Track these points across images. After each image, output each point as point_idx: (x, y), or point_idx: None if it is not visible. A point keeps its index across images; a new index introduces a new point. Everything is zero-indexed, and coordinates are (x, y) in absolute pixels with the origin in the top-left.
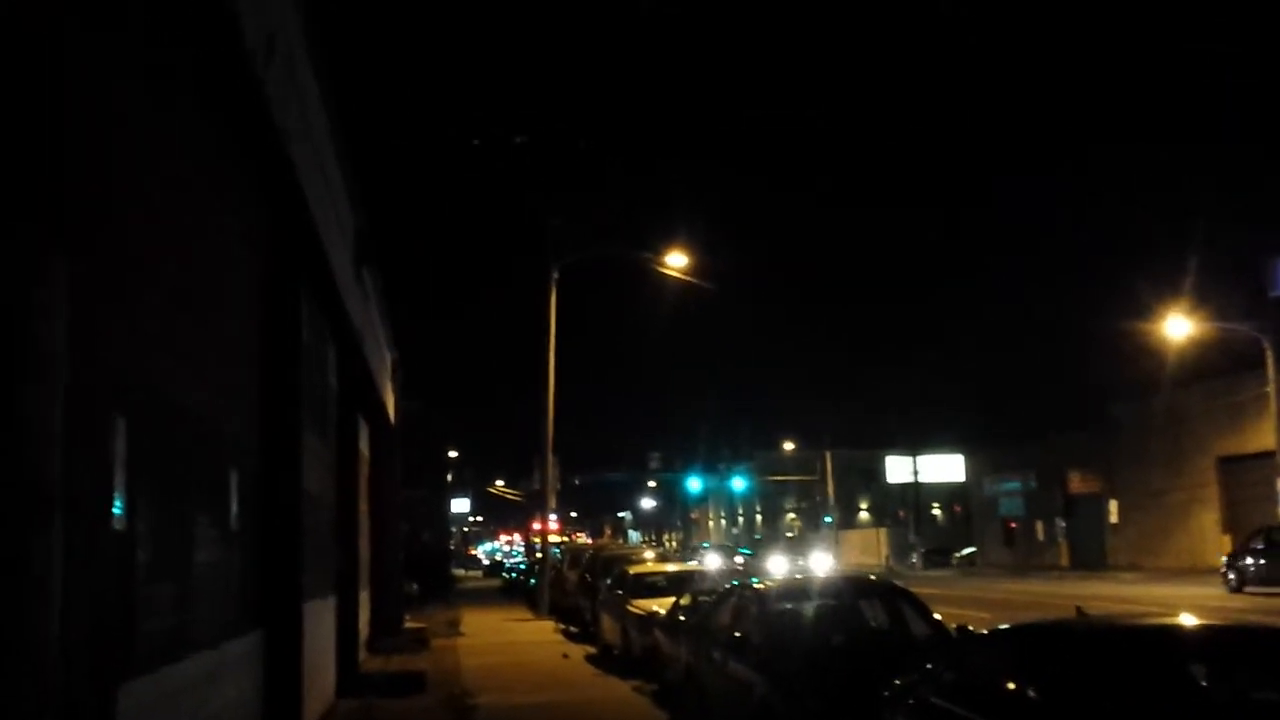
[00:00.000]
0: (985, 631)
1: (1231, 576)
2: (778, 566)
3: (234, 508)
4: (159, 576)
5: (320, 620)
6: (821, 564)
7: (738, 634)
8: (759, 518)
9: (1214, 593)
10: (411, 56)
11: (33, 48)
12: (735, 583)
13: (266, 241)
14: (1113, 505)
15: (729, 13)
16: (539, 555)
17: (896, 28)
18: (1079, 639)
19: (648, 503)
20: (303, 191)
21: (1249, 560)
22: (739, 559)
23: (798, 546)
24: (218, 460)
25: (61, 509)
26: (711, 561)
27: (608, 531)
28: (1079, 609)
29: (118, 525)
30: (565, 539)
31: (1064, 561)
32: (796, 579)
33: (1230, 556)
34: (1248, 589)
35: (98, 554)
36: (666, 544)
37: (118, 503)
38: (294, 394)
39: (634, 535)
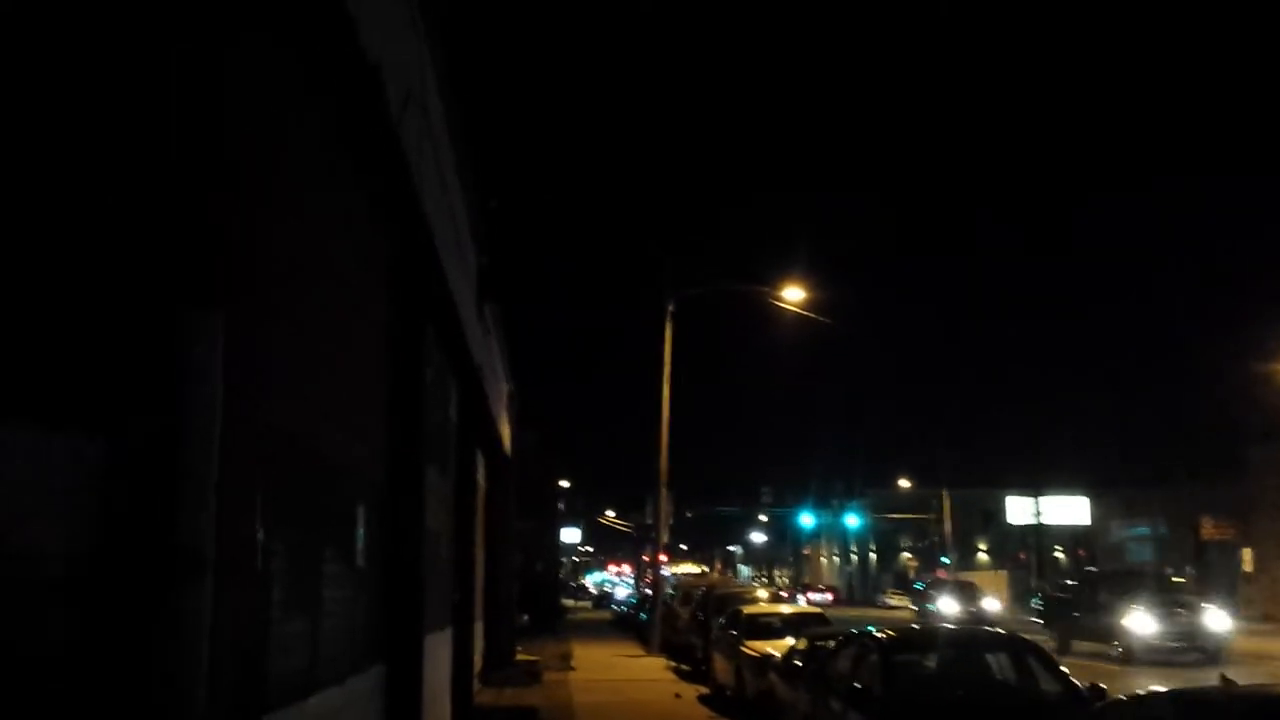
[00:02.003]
0: (1123, 698)
1: None
2: (949, 608)
3: (360, 545)
4: (292, 615)
5: (438, 653)
6: (992, 607)
7: (857, 684)
8: (873, 556)
9: None
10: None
11: (192, 97)
12: (854, 630)
13: (394, 281)
14: (1246, 553)
15: (858, 56)
16: (648, 590)
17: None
18: (1224, 713)
19: (758, 537)
20: (431, 233)
21: None
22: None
23: (968, 590)
24: (346, 500)
25: (212, 567)
26: (946, 606)
27: (718, 565)
28: (1223, 676)
29: (259, 572)
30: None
31: None
32: (916, 629)
33: None
34: None
35: (243, 603)
36: (778, 580)
37: (260, 552)
38: (418, 432)
39: (744, 570)
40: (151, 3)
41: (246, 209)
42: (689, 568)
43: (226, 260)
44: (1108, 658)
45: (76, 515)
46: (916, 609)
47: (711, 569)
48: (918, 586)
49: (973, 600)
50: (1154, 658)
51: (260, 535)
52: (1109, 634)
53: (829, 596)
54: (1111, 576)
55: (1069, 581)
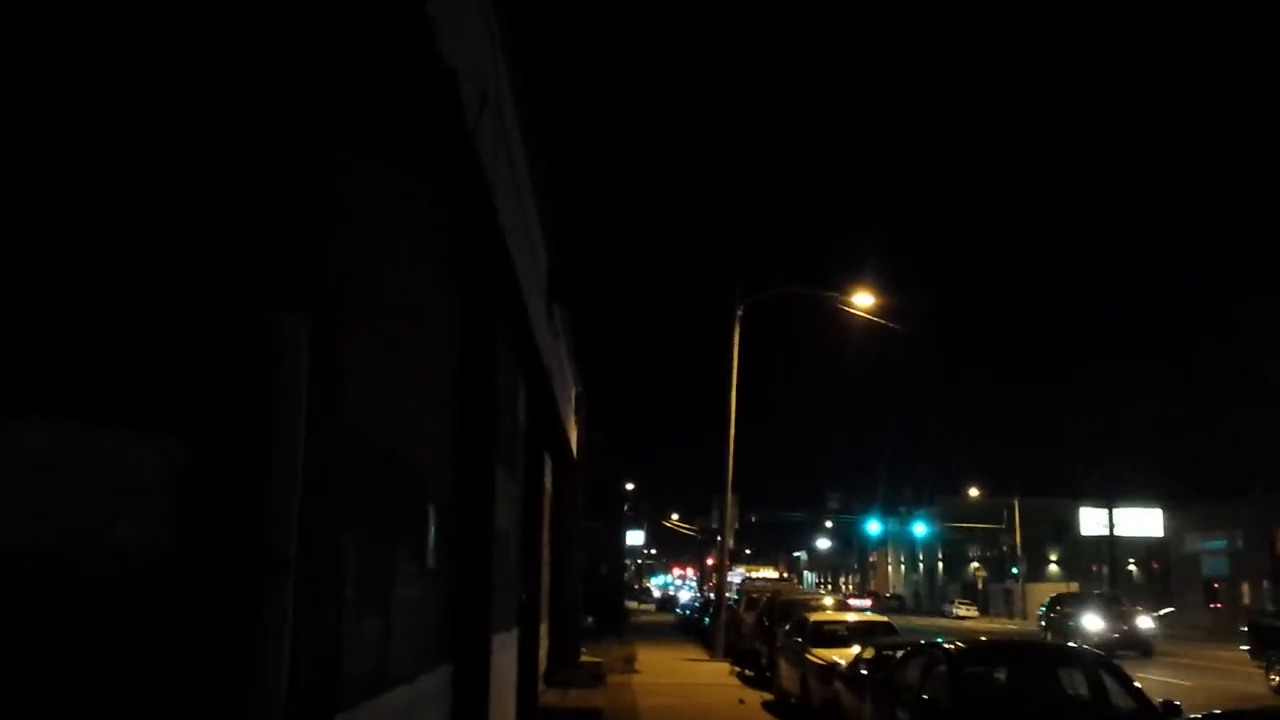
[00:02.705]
0: (1200, 716)
1: None
2: (1093, 626)
3: (431, 545)
4: (366, 614)
5: (504, 653)
6: (1146, 626)
7: (925, 695)
8: (940, 565)
9: None
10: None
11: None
12: (922, 640)
13: (466, 283)
14: None
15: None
16: (712, 595)
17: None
18: None
19: (823, 543)
20: (504, 235)
21: None
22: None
23: (1115, 606)
24: (418, 501)
25: (294, 567)
26: (1091, 623)
27: (782, 569)
28: None
29: (337, 572)
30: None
31: None
32: (985, 641)
33: None
34: None
35: (321, 602)
36: (844, 587)
37: (338, 553)
38: (489, 435)
39: (808, 576)
40: (239, 14)
41: (329, 213)
42: (767, 573)
43: (310, 264)
44: None
45: (163, 515)
46: (1045, 625)
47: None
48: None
49: (1122, 617)
50: None
51: (338, 536)
52: None
53: (867, 603)
54: None
55: None
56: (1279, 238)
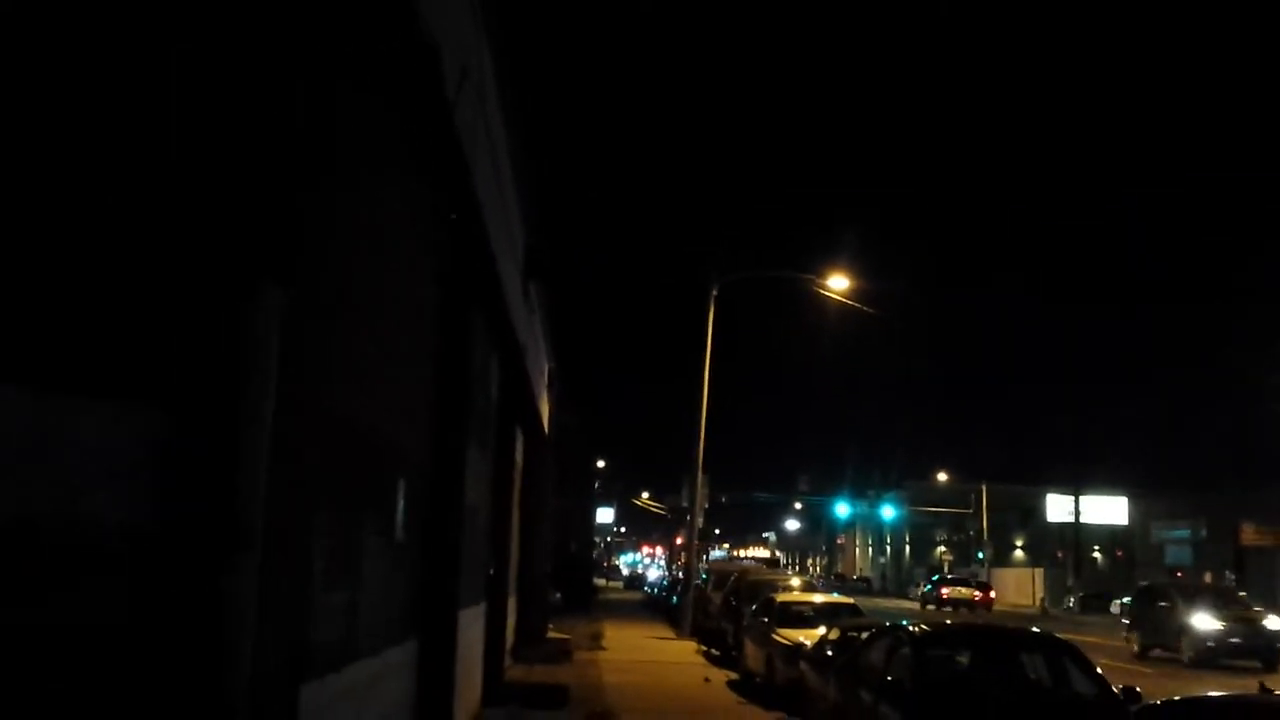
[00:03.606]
0: (1159, 702)
1: None
2: (1205, 626)
3: (400, 519)
4: (332, 587)
5: (471, 628)
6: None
7: (889, 677)
8: (908, 549)
9: None
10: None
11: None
12: (887, 622)
13: (442, 259)
14: None
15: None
16: (681, 574)
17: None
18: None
19: (792, 524)
20: (481, 211)
21: None
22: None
23: (1229, 600)
24: (388, 475)
25: (261, 540)
26: (1203, 623)
27: (773, 551)
28: (1262, 685)
29: (304, 545)
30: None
31: None
32: (949, 624)
33: None
34: None
35: (288, 575)
36: (810, 569)
37: (305, 526)
38: (462, 411)
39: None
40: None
41: (306, 185)
42: (757, 552)
43: (285, 236)
44: None
45: (136, 486)
46: (1131, 625)
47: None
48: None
49: (1247, 619)
50: None
51: (307, 509)
52: None
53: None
54: None
55: None
56: (1255, 232)
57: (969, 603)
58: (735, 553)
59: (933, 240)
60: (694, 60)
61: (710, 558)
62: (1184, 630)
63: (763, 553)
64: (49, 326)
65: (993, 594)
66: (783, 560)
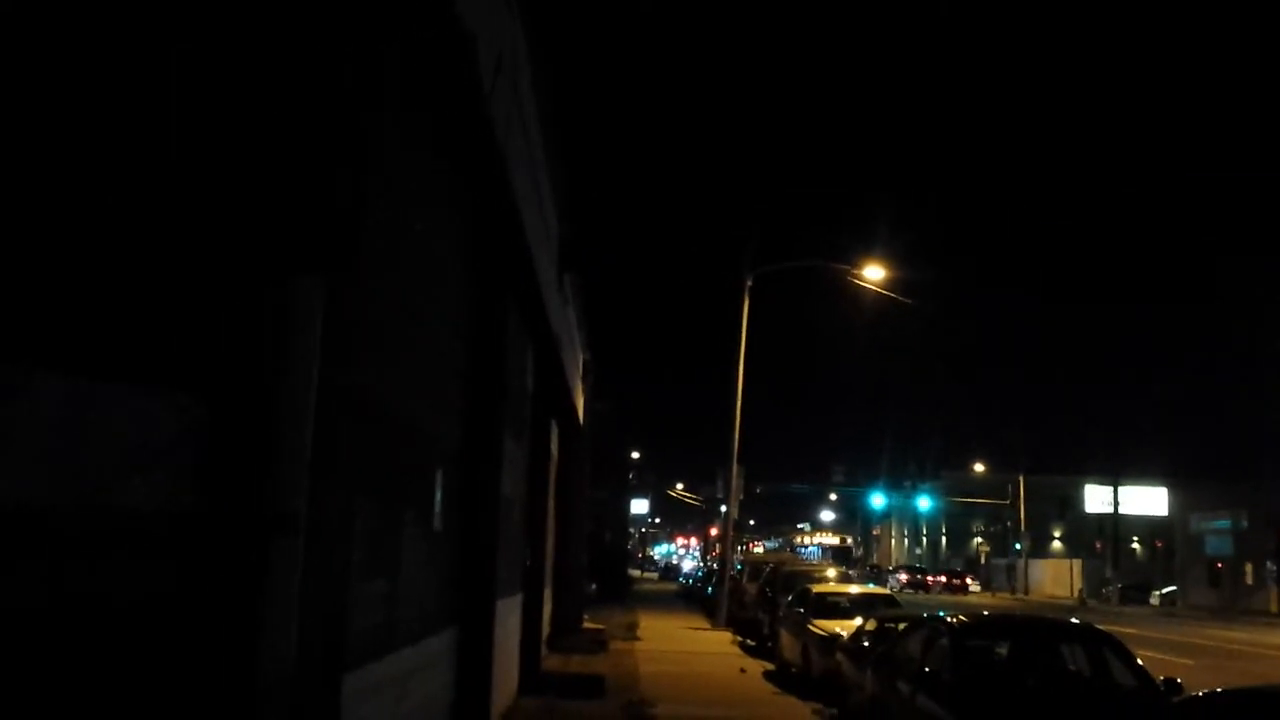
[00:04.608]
0: (1201, 694)
1: None
2: None
3: (437, 510)
4: (372, 576)
5: (508, 618)
6: None
7: (927, 668)
8: (944, 539)
9: None
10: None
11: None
12: (925, 614)
13: (478, 249)
14: None
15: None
16: (714, 565)
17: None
18: None
19: (827, 515)
20: (516, 202)
21: None
22: None
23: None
24: (425, 466)
25: (304, 528)
26: None
27: (844, 538)
28: None
29: (345, 534)
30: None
31: (1273, 608)
32: (987, 615)
33: None
34: None
35: (329, 564)
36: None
37: (346, 515)
38: (497, 402)
39: (813, 548)
40: None
41: (347, 176)
42: (826, 539)
43: (326, 225)
44: None
45: (177, 473)
46: None
47: (784, 546)
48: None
49: None
50: None
51: (348, 498)
52: None
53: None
54: None
55: None
56: None
57: (951, 586)
58: (798, 539)
59: (972, 230)
60: (729, 50)
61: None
62: None
63: (830, 540)
64: (90, 315)
65: (970, 579)
66: (817, 551)
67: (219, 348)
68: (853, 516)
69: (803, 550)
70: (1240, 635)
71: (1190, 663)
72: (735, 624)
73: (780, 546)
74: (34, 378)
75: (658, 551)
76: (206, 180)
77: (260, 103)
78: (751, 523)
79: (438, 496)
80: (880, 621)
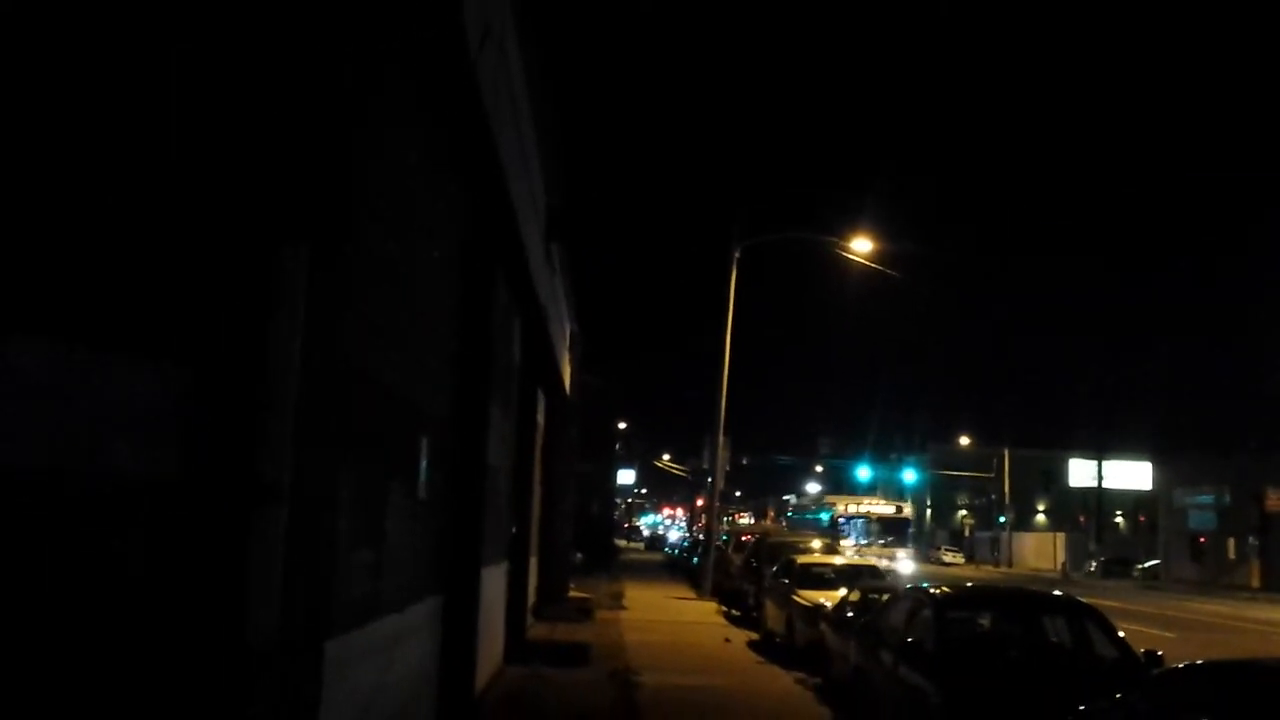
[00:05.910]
0: (1181, 666)
1: None
2: None
3: (422, 478)
4: (357, 543)
5: (493, 586)
6: None
7: (910, 639)
8: (929, 512)
9: None
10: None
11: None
12: (908, 584)
13: (465, 219)
14: None
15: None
16: (702, 536)
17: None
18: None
19: (813, 487)
20: (504, 173)
21: None
22: None
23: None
24: (411, 434)
25: (288, 495)
26: None
27: (770, 513)
28: None
29: (329, 501)
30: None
31: (1254, 582)
32: (970, 586)
33: None
34: None
35: (314, 530)
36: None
37: (331, 482)
38: (484, 371)
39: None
40: None
41: (332, 144)
42: (874, 505)
43: (311, 194)
44: None
45: (161, 440)
46: None
47: (764, 517)
48: None
49: None
50: None
51: (332, 465)
52: None
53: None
54: None
55: None
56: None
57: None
58: (849, 504)
59: (959, 204)
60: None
61: (791, 511)
62: None
63: (884, 508)
64: (77, 280)
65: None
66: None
67: (205, 315)
68: (839, 488)
69: (843, 524)
70: (1222, 609)
71: (1172, 636)
72: (720, 594)
73: (788, 520)
74: (11, 341)
75: (644, 522)
76: (193, 146)
77: (245, 67)
78: (738, 494)
79: (423, 465)
80: (864, 592)
